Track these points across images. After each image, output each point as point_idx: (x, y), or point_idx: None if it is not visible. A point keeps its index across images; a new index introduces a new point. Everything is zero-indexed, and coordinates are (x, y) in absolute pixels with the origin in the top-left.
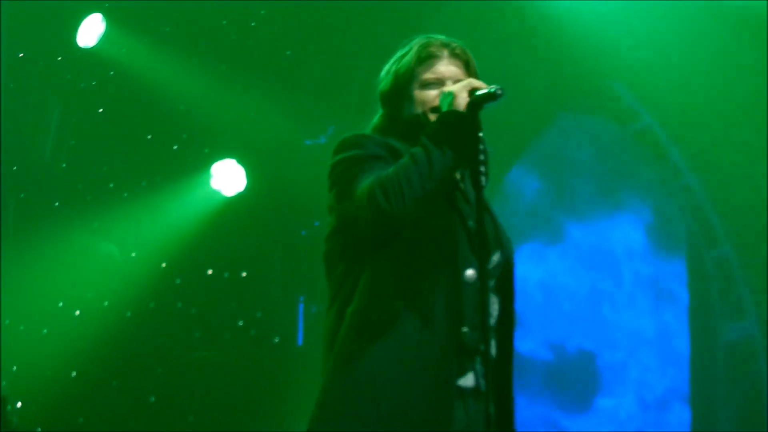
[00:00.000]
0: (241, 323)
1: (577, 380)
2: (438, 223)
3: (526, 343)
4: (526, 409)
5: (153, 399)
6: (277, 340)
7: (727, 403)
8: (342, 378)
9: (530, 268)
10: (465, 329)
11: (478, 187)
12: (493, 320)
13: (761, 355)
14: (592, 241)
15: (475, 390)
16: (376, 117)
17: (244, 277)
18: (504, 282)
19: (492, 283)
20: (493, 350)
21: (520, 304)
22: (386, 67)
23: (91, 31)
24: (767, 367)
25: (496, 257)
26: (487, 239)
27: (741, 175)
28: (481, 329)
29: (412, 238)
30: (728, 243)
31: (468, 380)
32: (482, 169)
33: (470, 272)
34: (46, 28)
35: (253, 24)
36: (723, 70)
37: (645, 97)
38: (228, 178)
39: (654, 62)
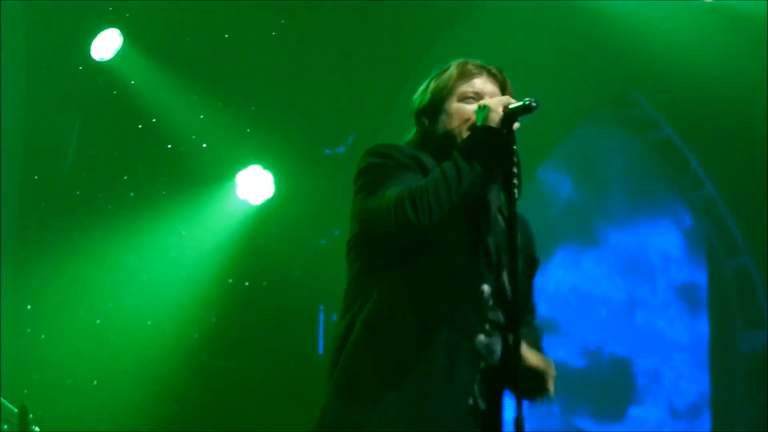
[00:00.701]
0: (261, 332)
1: (609, 387)
2: (457, 236)
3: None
4: (559, 417)
5: (175, 408)
6: (297, 349)
7: (747, 410)
8: (348, 386)
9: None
10: (478, 344)
11: (511, 200)
12: (499, 338)
13: None
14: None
15: (480, 408)
16: (410, 134)
17: (265, 286)
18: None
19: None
20: (499, 367)
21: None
22: (422, 86)
23: (107, 45)
24: None
25: (507, 273)
26: (512, 253)
27: (760, 186)
28: (489, 348)
29: (430, 250)
30: (748, 253)
31: (469, 399)
32: (515, 182)
33: (486, 288)
34: (68, 39)
35: (273, 33)
36: (742, 81)
37: (664, 107)
38: (255, 186)
39: (673, 72)
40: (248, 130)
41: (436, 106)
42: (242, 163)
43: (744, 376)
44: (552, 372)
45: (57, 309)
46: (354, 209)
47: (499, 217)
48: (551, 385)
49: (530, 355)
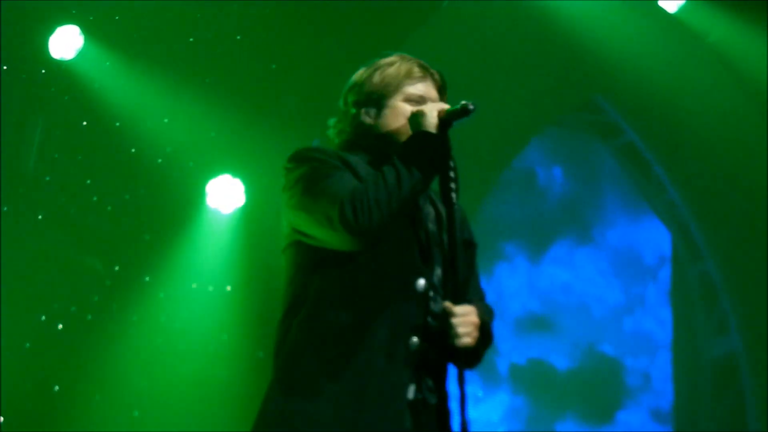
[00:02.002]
0: (225, 337)
1: (598, 387)
2: (391, 233)
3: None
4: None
5: (137, 413)
6: (261, 355)
7: (711, 417)
8: (282, 389)
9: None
10: (414, 340)
11: (449, 204)
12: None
13: (744, 371)
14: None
15: (421, 402)
16: (338, 123)
17: (229, 291)
18: (454, 295)
19: (441, 293)
20: (440, 361)
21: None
22: (362, 74)
23: (67, 43)
24: (750, 383)
25: (440, 270)
26: (443, 249)
27: (723, 191)
28: (428, 340)
29: (363, 250)
30: (711, 259)
31: (410, 392)
32: (453, 186)
33: (421, 282)
34: (28, 40)
35: (238, 37)
36: (707, 87)
37: (628, 112)
38: (224, 194)
39: (637, 78)
40: (212, 134)
41: (378, 100)
42: (211, 170)
43: (708, 382)
44: (470, 318)
45: (19, 314)
46: (286, 213)
47: (431, 209)
48: (461, 329)
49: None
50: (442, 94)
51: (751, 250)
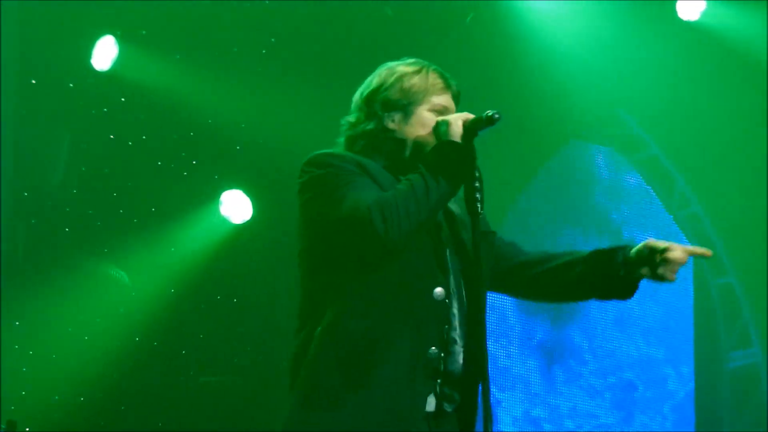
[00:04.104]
0: (248, 349)
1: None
2: (412, 244)
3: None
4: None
5: (160, 424)
6: (277, 365)
7: (732, 429)
8: (305, 400)
9: None
10: (433, 349)
11: (475, 216)
12: (460, 339)
13: (765, 382)
14: None
15: (441, 413)
16: (365, 123)
17: (253, 303)
18: (473, 303)
19: (460, 301)
20: (460, 369)
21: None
22: (386, 77)
23: (105, 54)
24: None
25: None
26: (458, 252)
27: (745, 205)
28: (446, 350)
29: (386, 260)
30: (733, 271)
31: (430, 403)
32: (477, 196)
33: (439, 290)
34: (60, 52)
35: (264, 51)
36: (730, 101)
37: (651, 126)
38: (236, 205)
39: (660, 91)
40: (238, 147)
41: (405, 106)
42: (228, 181)
43: (729, 394)
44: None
45: (45, 325)
46: (304, 221)
47: (442, 215)
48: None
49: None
50: (457, 105)
51: None
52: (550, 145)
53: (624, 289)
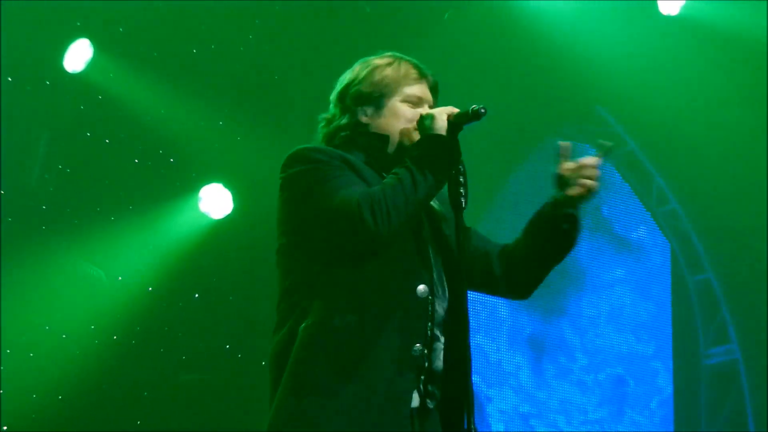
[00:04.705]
0: (228, 346)
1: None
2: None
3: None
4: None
5: (139, 422)
6: (264, 363)
7: (711, 425)
8: (300, 385)
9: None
10: (417, 346)
11: (458, 210)
12: (442, 336)
13: (743, 379)
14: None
15: (425, 409)
16: (340, 119)
17: (231, 300)
18: (455, 299)
19: (446, 298)
20: (441, 365)
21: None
22: (359, 71)
23: (78, 56)
24: (749, 391)
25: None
26: (439, 246)
27: (724, 201)
28: (429, 347)
29: (368, 255)
30: (711, 268)
31: (414, 399)
32: (462, 191)
33: (422, 287)
34: (35, 52)
35: (241, 48)
36: (708, 97)
37: (629, 123)
38: (215, 201)
39: (638, 88)
40: (215, 143)
41: (377, 99)
42: (206, 178)
43: (707, 390)
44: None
45: (22, 324)
46: (287, 217)
47: (428, 211)
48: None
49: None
50: (435, 95)
51: (750, 259)
52: (528, 141)
53: (565, 233)
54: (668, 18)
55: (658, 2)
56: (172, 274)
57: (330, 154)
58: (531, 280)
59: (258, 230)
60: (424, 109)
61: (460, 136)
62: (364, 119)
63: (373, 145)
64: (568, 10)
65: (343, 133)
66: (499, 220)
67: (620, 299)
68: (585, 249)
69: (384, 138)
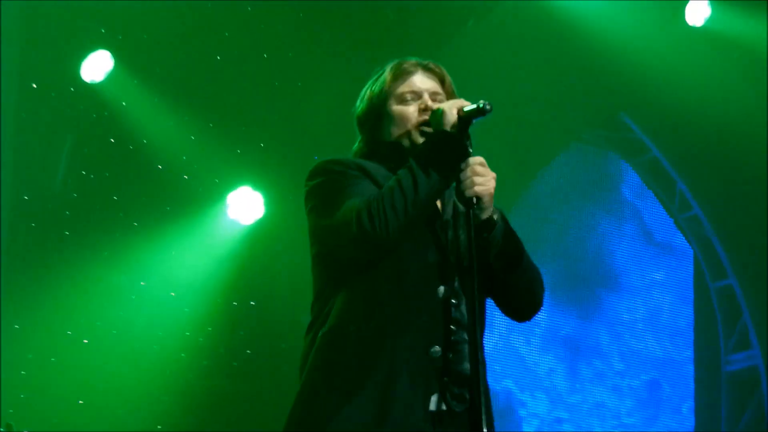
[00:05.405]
0: (249, 352)
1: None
2: (412, 242)
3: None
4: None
5: (160, 427)
6: (288, 368)
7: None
8: (306, 402)
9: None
10: (435, 349)
11: (469, 205)
12: (465, 338)
13: (764, 385)
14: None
15: (446, 412)
16: (356, 143)
17: (253, 306)
18: (472, 301)
19: (463, 300)
20: (468, 368)
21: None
22: (361, 93)
23: (98, 66)
24: None
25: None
26: (461, 256)
27: (747, 208)
28: (451, 349)
29: (385, 259)
30: (733, 274)
31: (432, 403)
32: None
33: (441, 290)
34: (60, 59)
35: (265, 55)
36: (730, 106)
37: (653, 130)
38: (245, 206)
39: (663, 95)
40: (239, 150)
41: (375, 111)
42: (233, 184)
43: (728, 396)
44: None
45: (45, 329)
46: (310, 229)
47: (450, 209)
48: (475, 178)
49: None
50: (444, 82)
51: None
52: (553, 147)
53: (497, 256)
54: (694, 28)
55: (686, 11)
56: (193, 279)
57: (347, 164)
58: (522, 304)
59: (285, 236)
60: (427, 101)
61: (482, 141)
62: (375, 135)
63: (388, 154)
64: (592, 17)
65: (365, 147)
66: (521, 225)
67: (658, 303)
68: (623, 253)
69: (392, 146)
